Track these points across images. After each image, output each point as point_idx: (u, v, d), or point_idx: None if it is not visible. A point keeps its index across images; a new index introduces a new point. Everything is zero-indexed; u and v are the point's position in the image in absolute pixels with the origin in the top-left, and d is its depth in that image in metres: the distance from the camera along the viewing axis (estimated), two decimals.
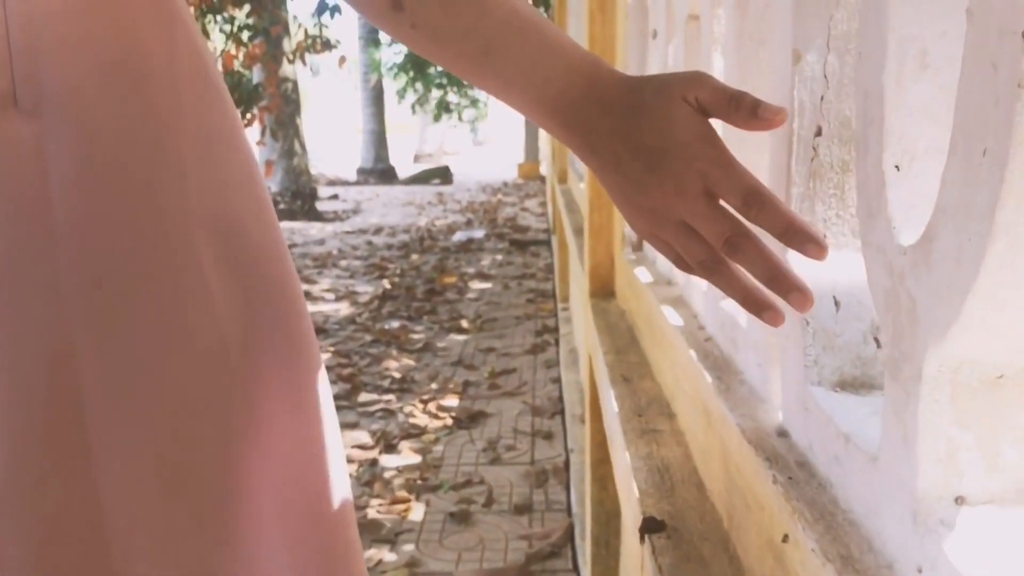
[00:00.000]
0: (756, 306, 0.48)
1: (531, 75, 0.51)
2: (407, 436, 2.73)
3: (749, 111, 0.47)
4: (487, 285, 5.20)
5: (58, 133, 0.42)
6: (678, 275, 1.09)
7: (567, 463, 2.49)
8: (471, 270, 5.70)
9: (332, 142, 21.93)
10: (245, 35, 7.49)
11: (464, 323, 4.21)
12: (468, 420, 2.85)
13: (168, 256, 0.45)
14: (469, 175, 14.18)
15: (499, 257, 6.25)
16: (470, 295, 4.93)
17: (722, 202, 0.48)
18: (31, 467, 0.42)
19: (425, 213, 9.10)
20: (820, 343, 0.55)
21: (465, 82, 0.67)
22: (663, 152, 0.48)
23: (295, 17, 8.00)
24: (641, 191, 0.49)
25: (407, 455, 2.58)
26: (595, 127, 0.51)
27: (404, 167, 15.08)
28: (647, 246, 1.35)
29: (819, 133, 0.58)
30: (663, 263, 1.20)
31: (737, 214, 0.48)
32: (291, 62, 8.10)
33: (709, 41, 0.89)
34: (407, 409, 2.97)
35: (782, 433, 0.59)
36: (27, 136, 0.42)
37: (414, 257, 6.20)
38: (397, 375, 3.37)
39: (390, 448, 2.64)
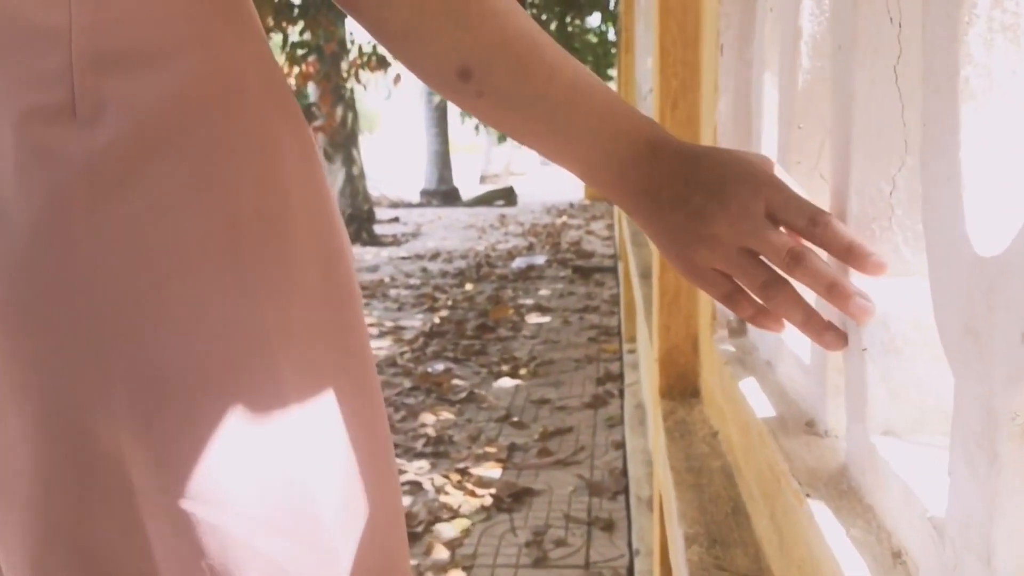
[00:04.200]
0: (818, 327, 0.49)
1: (598, 135, 0.51)
2: (435, 520, 2.25)
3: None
4: (545, 319, 4.71)
5: (117, 150, 0.40)
6: (831, 418, 0.58)
7: (631, 568, 1.97)
8: (529, 301, 5.22)
9: (399, 163, 21.87)
10: (299, 53, 7.22)
11: (516, 366, 3.72)
12: (511, 500, 2.36)
13: (215, 273, 0.42)
14: (534, 196, 13.73)
15: (560, 286, 5.75)
16: (525, 331, 4.44)
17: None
18: (74, 503, 0.41)
19: (486, 237, 8.67)
20: None
21: None
22: (725, 179, 0.49)
23: (351, 34, 7.70)
24: (705, 220, 0.49)
25: (433, 549, 2.10)
26: (656, 172, 0.51)
27: (470, 188, 14.75)
28: (753, 331, 0.84)
29: None
30: (786, 372, 0.70)
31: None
32: (345, 80, 7.80)
33: None
34: (439, 482, 2.49)
35: None
36: (81, 150, 0.40)
37: (468, 287, 5.75)
38: (433, 433, 2.90)
39: (413, 538, 2.16)
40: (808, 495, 0.49)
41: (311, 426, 0.45)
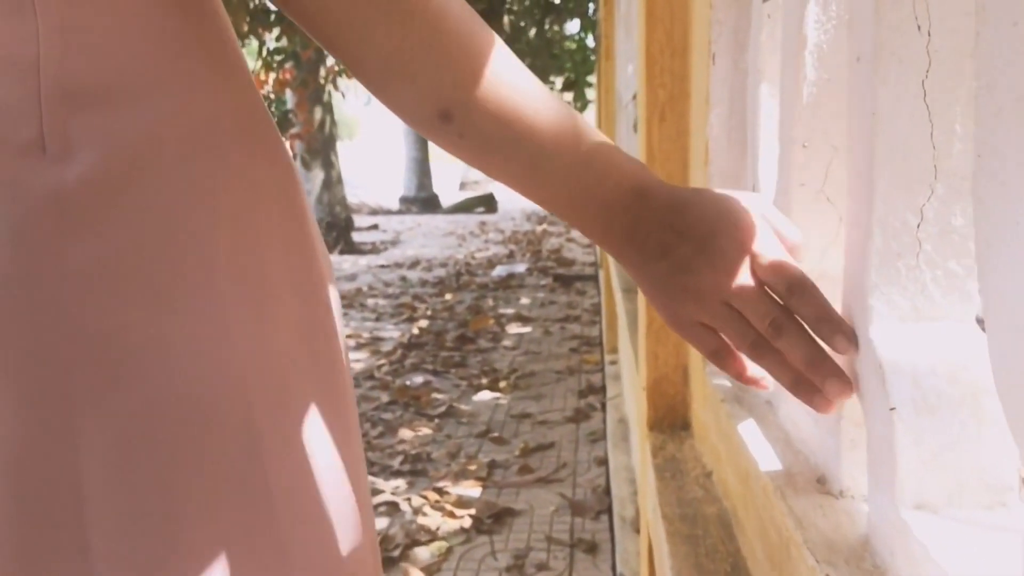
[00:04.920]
0: (807, 390, 0.47)
1: (583, 179, 0.49)
2: (413, 544, 2.17)
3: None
4: (526, 329, 4.64)
5: (87, 185, 0.39)
6: (847, 476, 0.51)
7: None
8: (509, 310, 5.15)
9: (378, 170, 21.76)
10: (275, 60, 7.12)
11: (496, 378, 3.65)
12: (491, 521, 2.28)
13: (188, 314, 0.41)
14: (515, 202, 13.67)
15: (541, 295, 5.69)
16: (506, 342, 4.37)
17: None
18: (21, 555, 0.38)
19: (466, 245, 8.60)
20: None
21: None
22: (713, 232, 0.48)
23: None
24: (691, 272, 0.48)
25: (409, 575, 2.02)
26: (642, 219, 0.49)
27: (450, 195, 14.68)
28: (750, 366, 0.77)
29: None
30: (790, 416, 0.63)
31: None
32: (323, 87, 7.71)
33: None
34: (416, 503, 2.41)
35: None
36: (50, 184, 0.38)
37: (448, 296, 5.67)
38: (411, 450, 2.82)
39: (389, 563, 2.08)
40: (823, 564, 0.43)
41: (286, 474, 0.43)
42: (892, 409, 0.42)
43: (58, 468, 0.38)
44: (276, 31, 6.85)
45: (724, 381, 0.77)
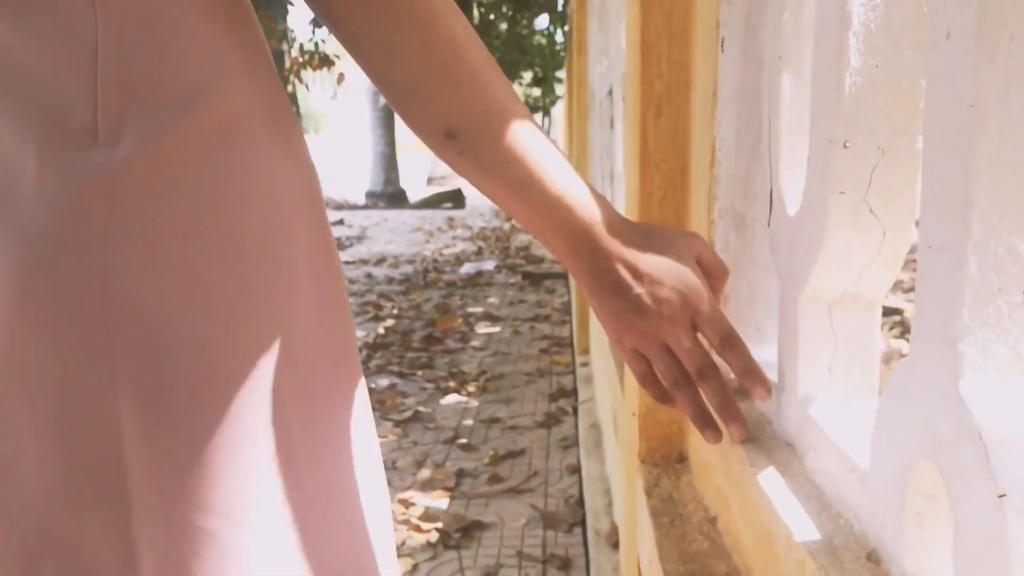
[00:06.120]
0: (705, 423, 0.59)
1: (557, 208, 0.55)
2: None
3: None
4: (495, 329, 4.54)
5: (134, 164, 0.42)
6: (911, 559, 0.41)
7: None
8: (478, 309, 5.04)
9: (344, 164, 21.48)
10: None
11: (464, 381, 3.53)
12: (459, 535, 2.17)
13: (218, 288, 0.45)
14: (483, 198, 13.52)
15: (510, 293, 5.59)
16: (474, 342, 4.26)
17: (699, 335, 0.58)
18: (70, 504, 0.42)
19: (433, 241, 8.47)
20: None
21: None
22: (662, 283, 0.56)
23: (292, 31, 7.41)
24: (639, 314, 0.57)
25: None
26: (601, 255, 0.56)
27: (417, 190, 14.52)
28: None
29: None
30: (822, 469, 0.54)
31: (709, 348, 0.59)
32: (286, 78, 7.52)
33: None
34: None
35: None
36: (101, 162, 0.42)
37: (414, 295, 5.54)
38: None
39: None
40: None
41: (309, 440, 0.47)
42: (1002, 496, 0.32)
43: (100, 422, 0.42)
44: None
45: None
